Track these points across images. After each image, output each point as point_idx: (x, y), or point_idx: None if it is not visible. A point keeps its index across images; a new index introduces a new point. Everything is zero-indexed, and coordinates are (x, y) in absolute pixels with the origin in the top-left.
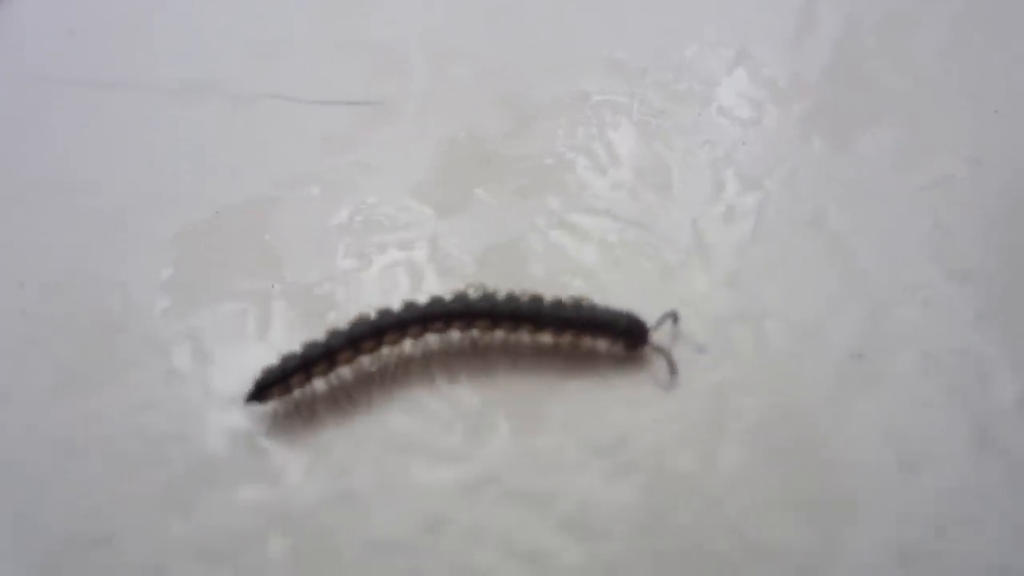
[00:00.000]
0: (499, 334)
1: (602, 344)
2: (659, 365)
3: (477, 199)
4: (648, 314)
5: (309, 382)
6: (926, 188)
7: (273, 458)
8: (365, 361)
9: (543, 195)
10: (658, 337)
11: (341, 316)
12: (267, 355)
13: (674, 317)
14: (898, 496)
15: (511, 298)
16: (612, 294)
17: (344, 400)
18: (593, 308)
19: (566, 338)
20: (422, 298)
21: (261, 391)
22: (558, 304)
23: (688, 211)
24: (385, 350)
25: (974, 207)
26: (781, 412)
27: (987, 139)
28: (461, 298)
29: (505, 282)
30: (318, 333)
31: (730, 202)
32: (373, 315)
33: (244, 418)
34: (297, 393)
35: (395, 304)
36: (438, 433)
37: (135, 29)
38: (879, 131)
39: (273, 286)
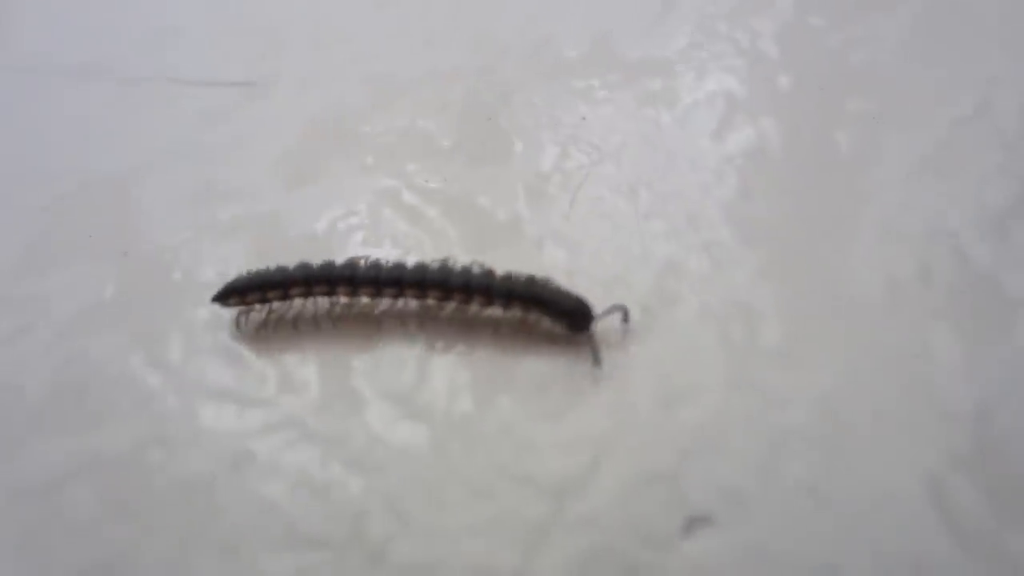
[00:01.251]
0: (451, 305)
1: (546, 323)
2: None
3: (326, 173)
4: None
5: (265, 303)
6: (734, 158)
7: (91, 404)
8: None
9: (387, 170)
10: (601, 326)
11: (187, 282)
12: (115, 316)
13: (625, 313)
14: (653, 429)
15: (464, 270)
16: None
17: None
18: (544, 285)
19: (514, 312)
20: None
21: (224, 296)
22: (508, 278)
23: (523, 179)
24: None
25: (774, 176)
26: (564, 360)
27: (796, 113)
28: (418, 267)
29: (337, 252)
30: (164, 296)
31: (562, 170)
32: (336, 264)
33: (77, 369)
34: (257, 308)
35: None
36: (251, 383)
37: (34, 12)
38: (706, 106)
39: (126, 253)
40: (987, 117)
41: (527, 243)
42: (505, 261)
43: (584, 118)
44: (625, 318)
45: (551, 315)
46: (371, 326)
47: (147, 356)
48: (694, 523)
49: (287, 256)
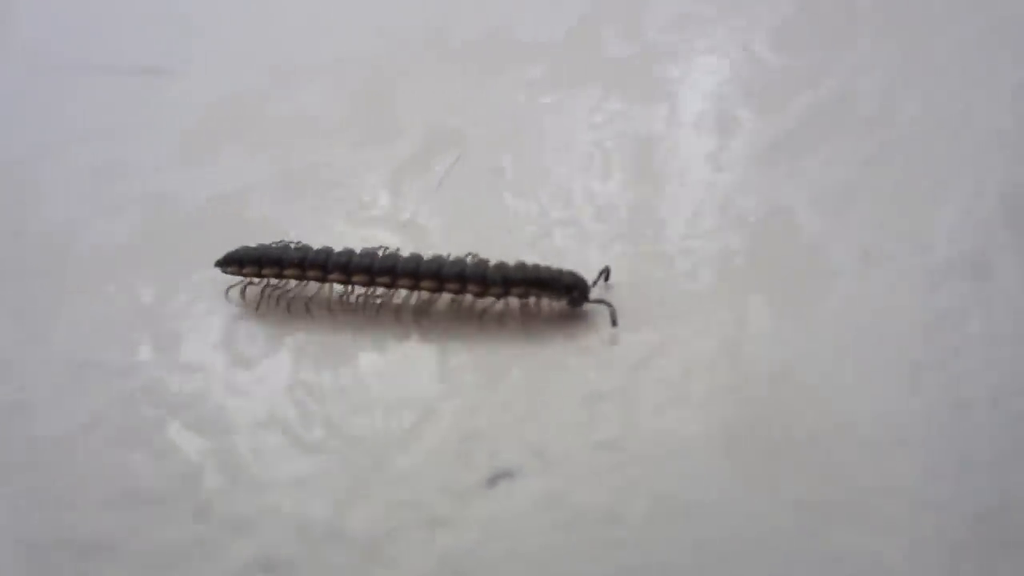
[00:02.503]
0: (446, 296)
1: (545, 303)
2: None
3: (223, 154)
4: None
5: (260, 277)
6: (601, 141)
7: None
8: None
9: (281, 151)
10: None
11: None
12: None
13: (606, 273)
14: (475, 393)
15: (456, 261)
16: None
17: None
18: (536, 267)
19: (511, 298)
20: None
21: (225, 262)
22: (502, 266)
23: (401, 160)
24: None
25: (636, 159)
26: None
27: (664, 97)
28: (411, 258)
29: (225, 225)
30: (60, 272)
31: (438, 152)
32: (329, 251)
33: None
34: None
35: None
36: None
37: None
38: (588, 88)
39: (17, 233)
40: (846, 102)
41: (396, 222)
42: (377, 238)
43: (470, 101)
44: (606, 278)
45: (552, 294)
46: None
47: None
48: (497, 478)
49: (180, 233)
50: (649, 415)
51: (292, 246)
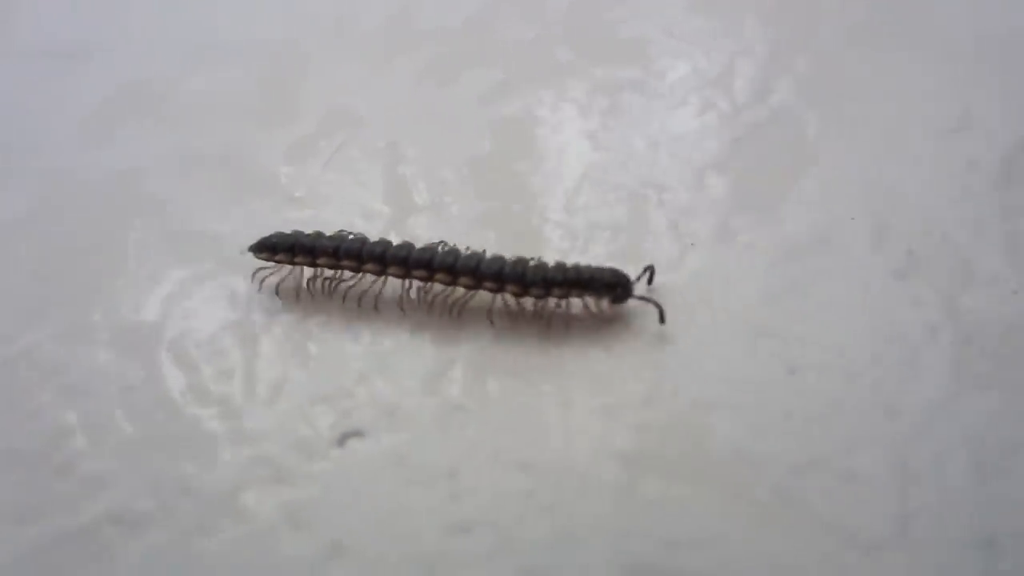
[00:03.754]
0: (482, 294)
1: (589, 302)
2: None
3: (128, 133)
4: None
5: (290, 263)
6: (495, 121)
7: None
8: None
9: (186, 131)
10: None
11: None
12: None
13: (651, 272)
14: (332, 355)
15: (495, 259)
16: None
17: None
18: (577, 267)
19: (551, 300)
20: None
21: (259, 248)
22: (542, 266)
23: (297, 139)
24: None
25: (522, 138)
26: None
27: (559, 82)
28: (449, 252)
29: (120, 202)
30: None
31: (331, 131)
32: (365, 241)
33: None
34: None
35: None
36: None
37: None
38: (477, 72)
39: None
40: (723, 83)
41: (280, 197)
42: (261, 213)
43: (369, 83)
44: (650, 279)
45: (595, 293)
46: None
47: None
48: (348, 436)
49: (75, 209)
50: (496, 377)
51: (328, 235)
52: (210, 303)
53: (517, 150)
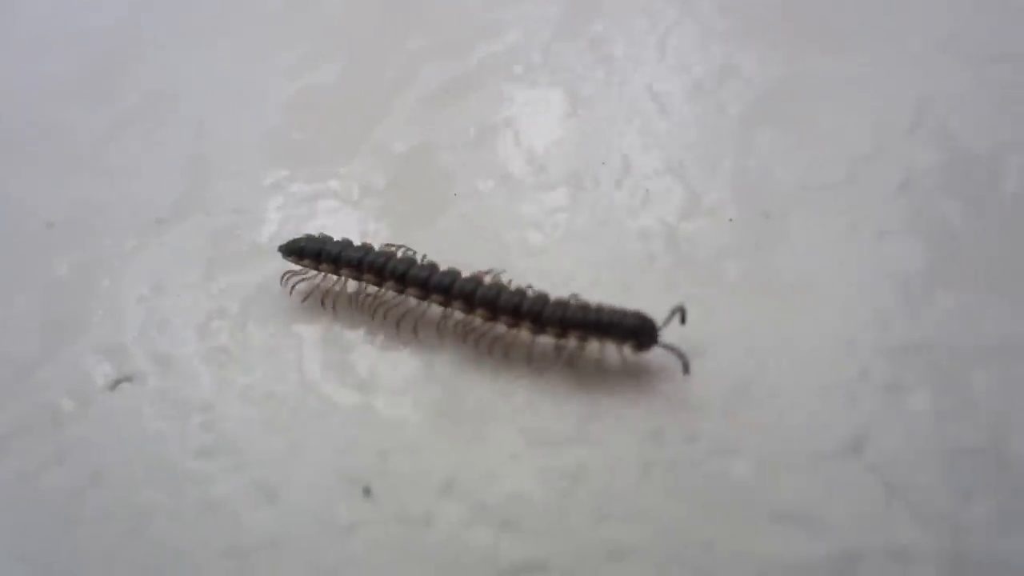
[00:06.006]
0: (499, 327)
1: (608, 346)
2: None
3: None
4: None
5: (314, 267)
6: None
7: None
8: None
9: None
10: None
11: None
12: None
13: (682, 314)
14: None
15: (517, 292)
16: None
17: None
18: (599, 309)
19: (569, 340)
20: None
21: (288, 250)
22: (562, 304)
23: (108, 120)
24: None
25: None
26: None
27: (362, 54)
28: (468, 280)
29: None
30: None
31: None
32: (389, 257)
33: None
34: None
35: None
36: None
37: None
38: (287, 48)
39: None
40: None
41: (103, 169)
42: (83, 185)
43: (186, 65)
44: (682, 320)
45: (616, 339)
46: None
47: None
48: (121, 381)
49: None
50: (256, 325)
51: (355, 245)
52: None
53: (308, 118)
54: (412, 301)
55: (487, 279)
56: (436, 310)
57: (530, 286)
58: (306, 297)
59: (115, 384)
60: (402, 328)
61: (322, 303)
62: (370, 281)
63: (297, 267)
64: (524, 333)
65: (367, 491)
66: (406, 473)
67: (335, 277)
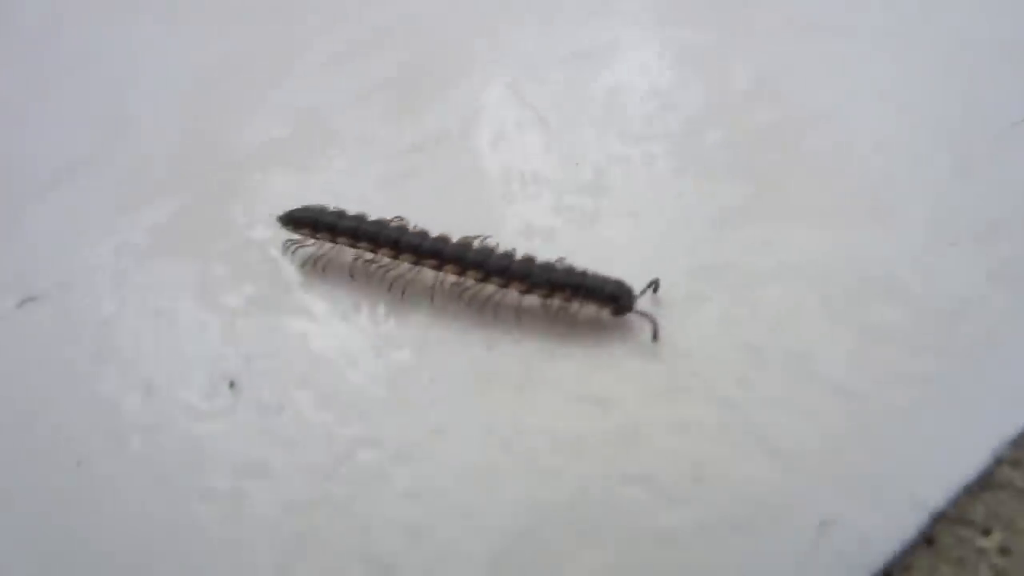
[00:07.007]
0: (488, 287)
1: (588, 308)
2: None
3: None
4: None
5: (313, 237)
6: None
7: None
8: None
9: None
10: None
11: None
12: None
13: (655, 285)
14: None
15: (505, 255)
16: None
17: None
18: (583, 274)
19: (554, 301)
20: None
21: (287, 220)
22: (549, 266)
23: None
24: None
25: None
26: None
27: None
28: (460, 244)
29: None
30: None
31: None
32: (383, 225)
33: None
34: (309, 241)
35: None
36: None
37: None
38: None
39: None
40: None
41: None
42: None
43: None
44: (655, 289)
45: (597, 301)
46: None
47: None
48: (26, 301)
49: None
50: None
51: (350, 215)
52: None
53: (195, 100)
54: (405, 266)
55: (475, 244)
56: (429, 274)
57: (514, 249)
58: (304, 263)
59: (21, 303)
60: (394, 291)
61: (322, 268)
62: (365, 248)
63: (296, 236)
64: (512, 292)
65: (232, 384)
66: (266, 370)
67: (331, 244)
